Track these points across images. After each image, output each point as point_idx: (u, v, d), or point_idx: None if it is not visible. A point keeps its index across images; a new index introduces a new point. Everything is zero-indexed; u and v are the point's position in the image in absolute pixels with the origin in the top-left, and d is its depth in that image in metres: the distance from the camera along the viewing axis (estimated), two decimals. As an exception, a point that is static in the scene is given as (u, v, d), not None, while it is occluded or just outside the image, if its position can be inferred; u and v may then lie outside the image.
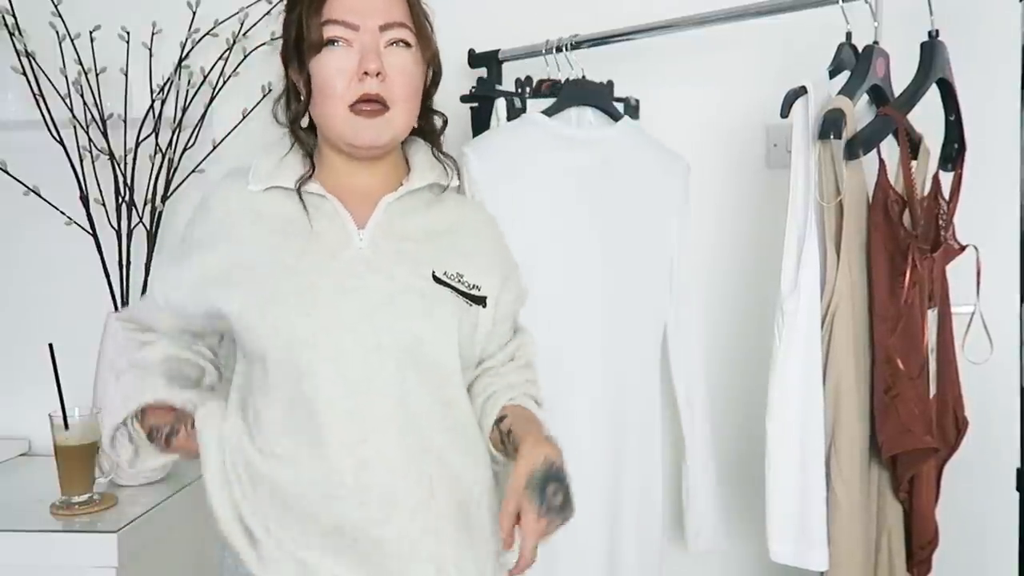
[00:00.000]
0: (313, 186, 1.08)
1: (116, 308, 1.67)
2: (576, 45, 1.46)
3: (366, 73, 1.02)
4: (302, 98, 1.08)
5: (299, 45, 1.06)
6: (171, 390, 1.10)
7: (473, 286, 1.10)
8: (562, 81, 1.48)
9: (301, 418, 1.01)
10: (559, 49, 1.47)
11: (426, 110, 1.15)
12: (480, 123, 1.50)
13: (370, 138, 1.06)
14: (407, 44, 1.06)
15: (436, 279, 1.07)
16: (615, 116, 1.48)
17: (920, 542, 1.26)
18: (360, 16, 1.03)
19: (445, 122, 1.18)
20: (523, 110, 1.45)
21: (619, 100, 1.51)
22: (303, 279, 1.03)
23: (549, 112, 1.41)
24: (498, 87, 1.51)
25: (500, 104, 1.43)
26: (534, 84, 1.51)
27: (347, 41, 1.04)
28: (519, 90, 1.48)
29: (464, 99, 1.51)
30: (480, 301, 1.10)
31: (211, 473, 1.05)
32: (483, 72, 1.62)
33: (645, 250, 1.49)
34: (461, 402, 1.09)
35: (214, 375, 1.18)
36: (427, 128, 1.16)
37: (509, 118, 1.44)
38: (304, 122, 1.11)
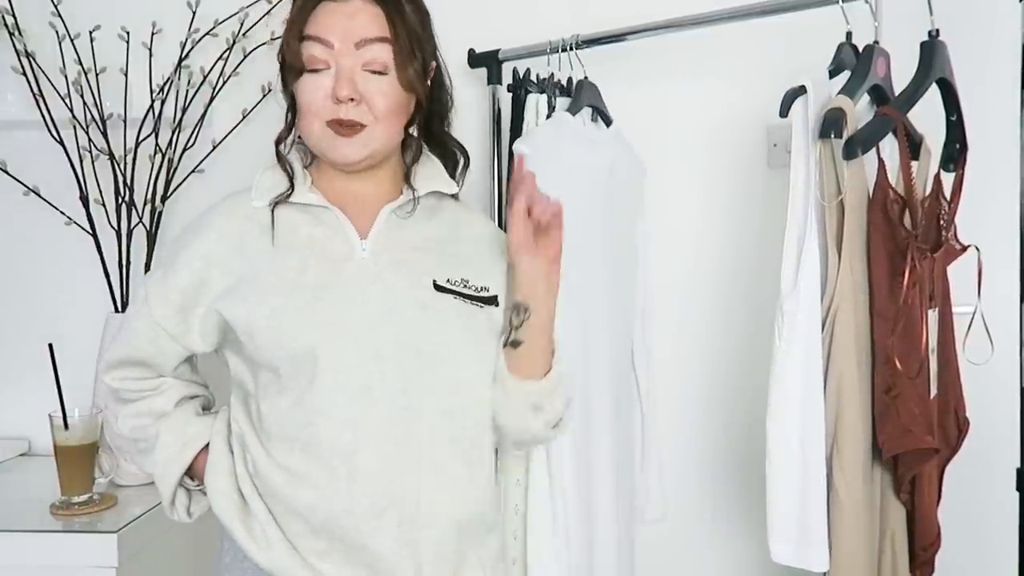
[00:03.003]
0: (314, 196, 1.09)
1: (116, 308, 1.67)
2: (576, 45, 1.46)
3: (339, 99, 1.03)
4: (289, 117, 1.11)
5: (284, 68, 1.08)
6: (206, 425, 1.13)
7: (481, 288, 1.10)
8: (564, 82, 1.48)
9: (301, 424, 1.03)
10: (559, 49, 1.47)
11: (431, 130, 1.16)
12: (516, 116, 1.49)
13: (347, 155, 1.06)
14: (383, 72, 1.05)
15: (437, 287, 1.08)
16: (607, 119, 1.50)
17: (923, 543, 1.26)
18: (336, 34, 1.03)
19: (467, 160, 1.19)
20: (553, 108, 1.46)
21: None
22: (307, 291, 1.04)
23: (571, 111, 1.42)
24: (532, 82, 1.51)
25: (541, 100, 1.44)
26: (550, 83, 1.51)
27: (325, 63, 1.04)
28: (551, 90, 1.47)
29: (509, 88, 1.52)
30: (491, 301, 1.11)
31: (216, 455, 1.09)
32: (483, 72, 1.62)
33: (628, 250, 1.55)
34: (468, 412, 1.08)
35: (214, 400, 1.22)
36: (441, 146, 1.17)
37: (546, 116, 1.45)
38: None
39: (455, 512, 1.06)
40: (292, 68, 1.05)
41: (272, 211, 1.09)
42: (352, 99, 1.03)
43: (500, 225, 1.59)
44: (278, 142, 1.12)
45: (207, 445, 1.11)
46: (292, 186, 1.09)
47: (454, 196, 1.18)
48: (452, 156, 1.19)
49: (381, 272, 1.07)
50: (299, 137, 1.13)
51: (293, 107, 1.09)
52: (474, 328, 1.09)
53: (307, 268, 1.05)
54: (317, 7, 1.05)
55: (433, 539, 1.05)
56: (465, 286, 1.09)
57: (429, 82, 1.13)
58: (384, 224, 1.10)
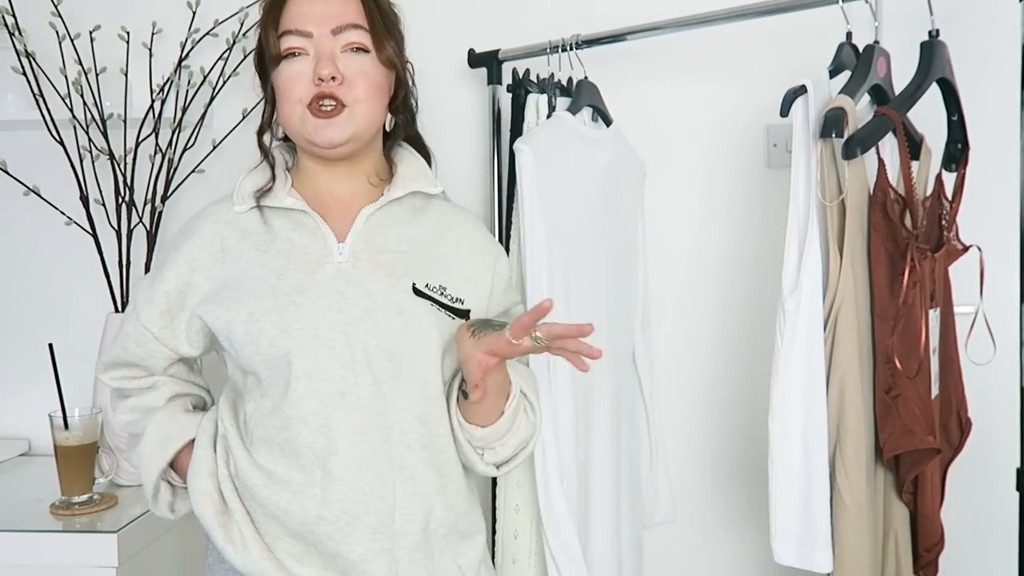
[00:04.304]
0: (292, 200, 1.09)
1: (116, 308, 1.67)
2: (576, 45, 1.46)
3: (321, 78, 1.04)
4: (268, 108, 1.11)
5: (263, 58, 1.09)
6: (192, 422, 1.13)
7: (456, 299, 1.10)
8: (564, 82, 1.48)
9: (280, 428, 1.03)
10: (559, 49, 1.47)
11: (404, 115, 1.16)
12: (516, 116, 1.49)
13: (330, 136, 1.06)
14: (364, 49, 1.07)
15: (416, 292, 1.07)
16: (607, 118, 1.50)
17: (926, 544, 1.26)
18: (313, 23, 1.05)
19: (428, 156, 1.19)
20: (553, 108, 1.46)
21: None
22: (283, 296, 1.04)
23: (571, 111, 1.42)
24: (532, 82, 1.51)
25: (542, 101, 1.44)
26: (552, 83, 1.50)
27: (303, 50, 1.05)
28: (551, 90, 1.47)
29: (508, 88, 1.51)
30: (463, 315, 1.10)
31: (200, 455, 1.08)
32: (483, 72, 1.62)
33: (629, 249, 1.55)
34: (440, 419, 1.08)
35: (212, 400, 1.21)
36: (411, 134, 1.17)
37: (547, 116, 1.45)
38: (279, 132, 1.14)
39: (425, 519, 1.06)
40: (272, 58, 1.06)
41: (259, 211, 1.09)
42: (334, 78, 1.04)
43: (499, 225, 1.59)
44: (260, 132, 1.12)
45: (193, 442, 1.10)
46: (274, 176, 1.10)
47: (440, 195, 1.18)
48: (426, 153, 1.19)
49: (358, 275, 1.06)
50: (282, 138, 1.14)
51: (272, 98, 1.10)
52: (447, 336, 1.08)
53: (284, 272, 1.06)
54: None
55: (407, 547, 1.04)
56: (442, 294, 1.09)
57: (406, 68, 1.14)
58: (363, 226, 1.09)
